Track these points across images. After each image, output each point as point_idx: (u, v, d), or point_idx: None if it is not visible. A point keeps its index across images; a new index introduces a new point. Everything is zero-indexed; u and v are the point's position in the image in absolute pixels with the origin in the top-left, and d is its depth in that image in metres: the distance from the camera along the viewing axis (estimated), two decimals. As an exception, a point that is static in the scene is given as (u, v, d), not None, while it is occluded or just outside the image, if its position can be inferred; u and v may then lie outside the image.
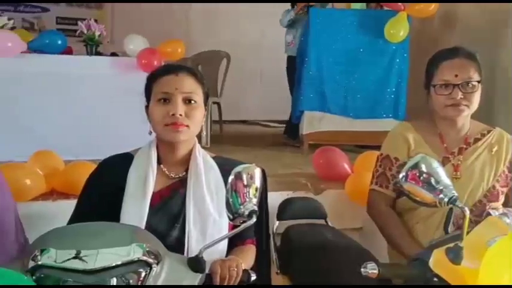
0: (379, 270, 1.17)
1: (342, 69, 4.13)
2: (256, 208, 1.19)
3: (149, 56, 3.58)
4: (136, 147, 1.56)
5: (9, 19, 3.44)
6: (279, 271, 1.92)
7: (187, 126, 1.43)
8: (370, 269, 1.17)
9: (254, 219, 1.17)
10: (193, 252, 1.37)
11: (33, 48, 3.45)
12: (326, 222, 2.19)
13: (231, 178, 1.19)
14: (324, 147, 3.06)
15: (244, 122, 6.64)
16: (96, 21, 3.78)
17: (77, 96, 3.50)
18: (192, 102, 1.46)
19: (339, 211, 2.63)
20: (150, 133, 1.52)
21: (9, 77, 3.30)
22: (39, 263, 1.01)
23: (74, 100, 3.48)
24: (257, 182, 1.22)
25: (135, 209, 1.40)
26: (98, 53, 3.71)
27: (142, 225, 1.37)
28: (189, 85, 1.46)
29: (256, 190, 1.21)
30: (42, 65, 3.44)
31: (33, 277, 1.01)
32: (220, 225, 1.44)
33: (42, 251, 1.03)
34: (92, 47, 3.62)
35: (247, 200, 1.19)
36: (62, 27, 6.48)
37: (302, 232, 2.09)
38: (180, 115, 1.42)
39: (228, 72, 5.18)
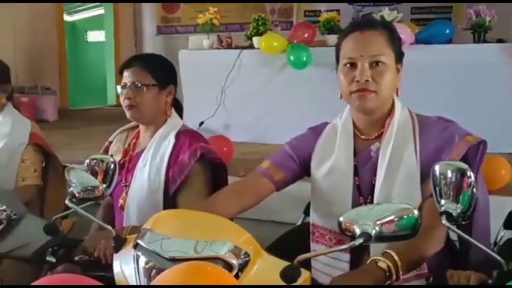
0: None
1: None
2: None
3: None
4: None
5: (398, 12, 3.59)
6: None
7: None
8: None
9: None
10: None
11: (421, 39, 3.51)
12: None
13: None
14: None
15: None
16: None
17: (462, 87, 3.41)
18: None
19: None
20: None
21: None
22: None
23: (460, 91, 3.41)
24: None
25: None
26: (485, 41, 3.52)
27: None
28: None
29: None
30: (428, 56, 3.47)
31: None
32: None
33: None
34: (480, 34, 3.45)
35: None
36: (416, 17, 6.53)
37: None
38: None
39: None
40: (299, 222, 1.97)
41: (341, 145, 1.51)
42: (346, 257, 1.45)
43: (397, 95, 1.52)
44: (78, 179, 1.36)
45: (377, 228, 1.03)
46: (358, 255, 1.42)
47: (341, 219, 1.08)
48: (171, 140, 1.77)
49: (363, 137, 1.51)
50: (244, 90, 4.11)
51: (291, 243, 1.81)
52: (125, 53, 8.01)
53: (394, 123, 1.47)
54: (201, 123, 4.23)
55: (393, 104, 1.50)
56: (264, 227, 2.72)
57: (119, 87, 1.79)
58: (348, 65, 1.43)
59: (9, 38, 5.93)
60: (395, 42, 1.47)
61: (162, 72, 1.80)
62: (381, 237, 1.04)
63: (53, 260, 1.42)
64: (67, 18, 8.22)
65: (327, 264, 1.49)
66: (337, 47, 1.50)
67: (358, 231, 1.04)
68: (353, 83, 1.41)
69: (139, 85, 1.74)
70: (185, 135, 1.79)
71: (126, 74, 1.78)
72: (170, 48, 6.79)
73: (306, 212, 1.91)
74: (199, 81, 4.28)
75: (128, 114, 1.78)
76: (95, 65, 9.29)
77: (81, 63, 9.42)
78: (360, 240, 1.02)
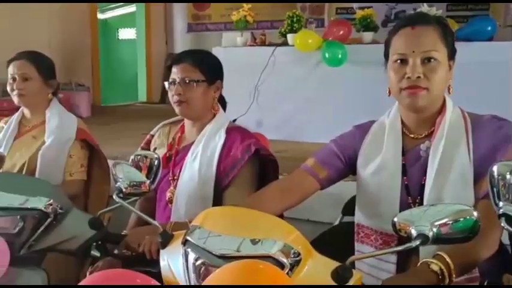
0: None
1: None
2: None
3: None
4: None
5: (437, 9, 3.50)
6: None
7: None
8: None
9: None
10: None
11: (461, 36, 3.41)
12: None
13: None
14: None
15: None
16: None
17: (505, 85, 3.31)
18: None
19: None
20: None
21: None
22: None
23: (503, 89, 3.31)
24: None
25: None
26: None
27: None
28: None
29: None
30: (470, 54, 3.37)
31: None
32: None
33: None
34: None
35: None
36: (452, 14, 6.38)
37: None
38: None
39: None
40: (337, 222, 1.93)
41: (389, 143, 1.47)
42: (393, 258, 1.42)
43: (449, 93, 1.47)
44: (125, 174, 1.36)
45: (434, 229, 1.00)
46: (405, 256, 1.39)
47: (395, 219, 1.05)
48: (221, 135, 1.77)
49: (412, 135, 1.47)
50: (277, 88, 4.08)
51: (330, 243, 1.78)
52: (156, 51, 8.10)
53: (446, 121, 1.42)
54: (234, 121, 4.23)
55: (444, 102, 1.45)
56: (300, 225, 2.68)
57: (166, 83, 1.79)
58: (399, 61, 1.39)
59: (45, 35, 6.05)
60: (448, 38, 1.41)
61: (210, 68, 1.80)
62: (438, 240, 1.00)
63: (98, 254, 1.43)
64: (99, 16, 8.32)
65: (373, 265, 1.45)
66: (387, 43, 1.46)
67: (414, 232, 1.00)
68: (403, 80, 1.37)
69: (188, 81, 1.74)
70: (235, 131, 1.80)
71: (175, 70, 1.78)
72: (201, 45, 6.80)
73: (344, 212, 1.88)
74: (232, 78, 4.24)
75: (177, 110, 1.78)
76: (126, 62, 9.40)
77: (113, 60, 9.54)
78: (417, 242, 0.99)
